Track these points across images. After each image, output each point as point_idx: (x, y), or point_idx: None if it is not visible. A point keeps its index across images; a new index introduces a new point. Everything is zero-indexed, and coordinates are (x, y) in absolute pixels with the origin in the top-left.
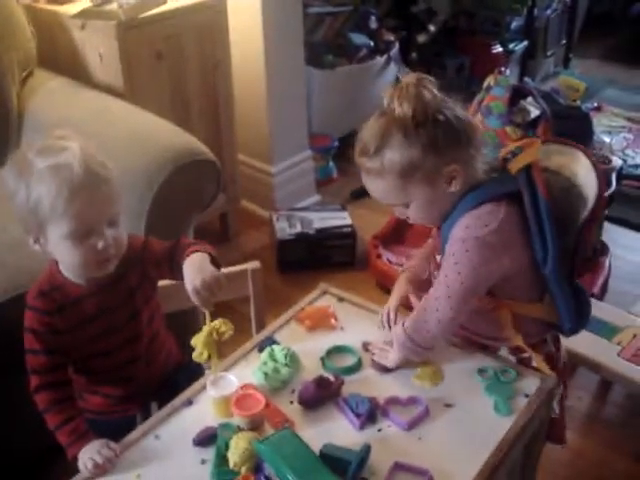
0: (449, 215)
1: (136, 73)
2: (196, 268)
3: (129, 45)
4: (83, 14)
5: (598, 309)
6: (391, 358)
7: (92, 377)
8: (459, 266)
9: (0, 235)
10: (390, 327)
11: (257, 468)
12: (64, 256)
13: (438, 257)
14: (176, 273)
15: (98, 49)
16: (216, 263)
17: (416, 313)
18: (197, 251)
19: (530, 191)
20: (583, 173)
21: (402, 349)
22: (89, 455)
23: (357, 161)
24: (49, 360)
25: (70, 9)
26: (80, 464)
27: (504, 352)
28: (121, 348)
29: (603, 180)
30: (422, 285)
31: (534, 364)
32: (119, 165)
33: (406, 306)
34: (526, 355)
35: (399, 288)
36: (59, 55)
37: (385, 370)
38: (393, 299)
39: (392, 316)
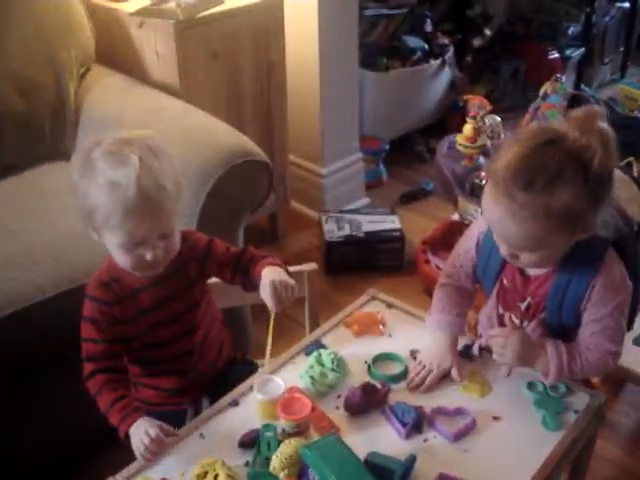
0: (566, 263)
1: (192, 72)
2: (276, 272)
3: (186, 44)
4: (142, 12)
5: None
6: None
7: (146, 368)
8: (623, 311)
9: (54, 230)
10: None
11: (302, 473)
12: (116, 257)
13: (522, 304)
14: (238, 278)
15: (155, 47)
16: (291, 277)
17: (582, 355)
18: (274, 264)
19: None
20: (623, 190)
21: (554, 369)
22: (144, 429)
23: (504, 192)
24: (107, 348)
25: (129, 7)
26: (134, 440)
27: None
28: (177, 340)
29: None
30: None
31: None
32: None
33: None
34: None
35: (441, 353)
36: (116, 52)
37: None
38: (436, 368)
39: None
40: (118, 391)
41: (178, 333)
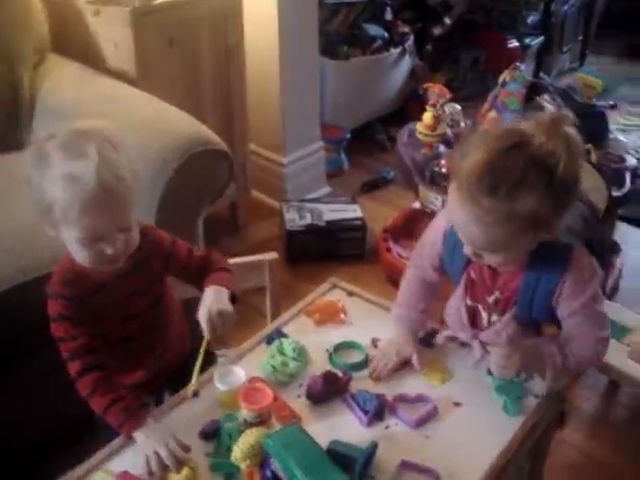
0: (534, 260)
1: (149, 60)
2: (216, 298)
3: (143, 31)
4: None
5: (609, 309)
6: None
7: (110, 365)
8: (597, 299)
9: (8, 221)
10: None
11: (264, 463)
12: (74, 253)
13: (490, 298)
14: (194, 283)
15: (112, 35)
16: (234, 300)
17: (576, 350)
18: (222, 283)
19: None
20: (588, 178)
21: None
22: (155, 446)
23: (469, 196)
24: (88, 342)
25: None
26: (144, 455)
27: None
28: (141, 335)
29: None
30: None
31: None
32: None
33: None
34: None
35: (402, 342)
36: (72, 41)
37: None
38: (396, 356)
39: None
40: (113, 391)
41: (143, 328)
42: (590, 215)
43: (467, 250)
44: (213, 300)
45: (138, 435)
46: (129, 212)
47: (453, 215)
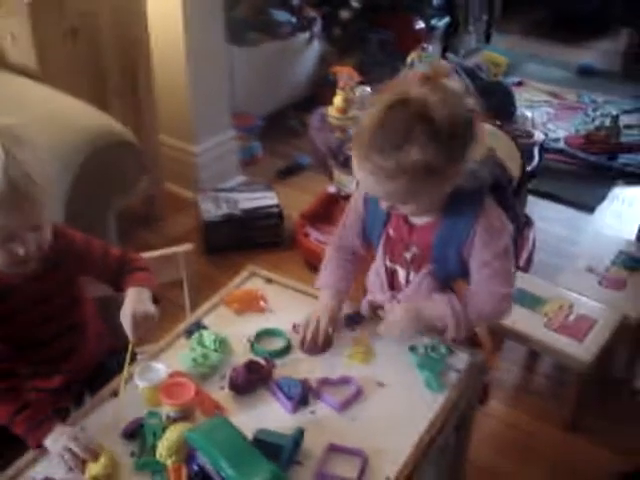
0: (445, 212)
1: (50, 53)
2: (139, 299)
3: (42, 24)
4: None
5: (524, 281)
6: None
7: (25, 370)
8: (508, 254)
9: None
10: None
11: (190, 457)
12: None
13: (407, 254)
14: (111, 284)
15: (9, 28)
16: (155, 300)
17: (475, 304)
18: (143, 284)
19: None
20: (502, 146)
21: (451, 319)
22: (65, 443)
23: (364, 155)
24: None
25: None
26: (56, 455)
27: None
28: (57, 338)
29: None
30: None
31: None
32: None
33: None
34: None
35: (327, 305)
36: None
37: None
38: (324, 317)
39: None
40: (17, 401)
41: (58, 331)
42: (501, 174)
43: (381, 204)
44: (136, 302)
45: (47, 441)
46: (40, 211)
47: (356, 174)
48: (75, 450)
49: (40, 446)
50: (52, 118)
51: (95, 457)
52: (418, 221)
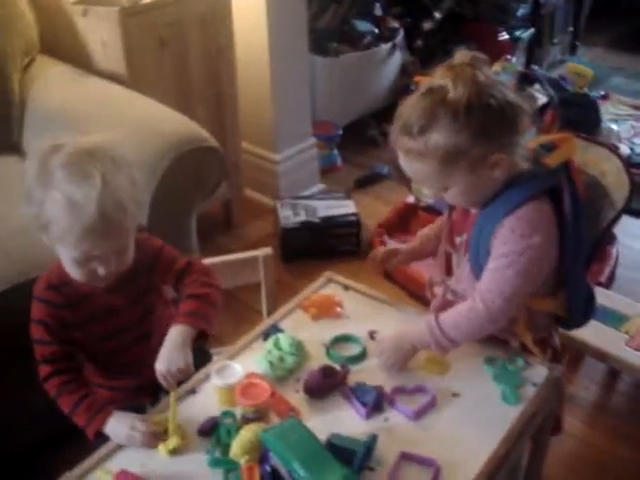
0: (489, 203)
1: (139, 60)
2: (175, 347)
3: (132, 32)
4: (85, 0)
5: (606, 298)
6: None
7: (100, 370)
8: (520, 261)
9: (4, 223)
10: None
11: (263, 458)
12: (66, 267)
13: (458, 239)
14: (174, 289)
15: (100, 36)
16: (204, 336)
17: (455, 308)
18: (189, 322)
19: (569, 189)
20: (613, 172)
21: (430, 339)
22: (129, 426)
23: (395, 139)
24: (60, 349)
25: None
26: (120, 437)
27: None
28: (130, 347)
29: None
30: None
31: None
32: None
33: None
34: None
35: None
36: (61, 42)
37: None
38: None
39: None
40: (79, 391)
41: (131, 340)
42: (589, 185)
43: (429, 192)
44: (170, 351)
45: (107, 427)
46: (126, 236)
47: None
48: (142, 428)
49: (98, 436)
50: (139, 123)
51: (165, 432)
52: (473, 210)
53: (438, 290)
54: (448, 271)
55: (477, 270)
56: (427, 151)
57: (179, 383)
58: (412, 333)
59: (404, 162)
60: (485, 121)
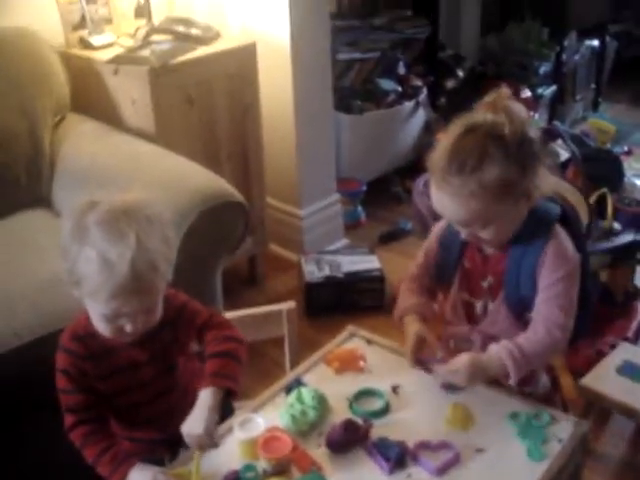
0: (519, 236)
1: (167, 117)
2: (201, 412)
3: (161, 90)
4: (117, 59)
5: (633, 354)
6: (464, 378)
7: (120, 422)
8: (573, 281)
9: (32, 276)
10: (426, 369)
11: None
12: (94, 321)
13: (484, 283)
14: (200, 342)
15: (131, 94)
16: (232, 394)
17: (527, 335)
18: (218, 382)
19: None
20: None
21: (512, 364)
22: (151, 478)
23: (443, 180)
24: (84, 398)
25: (103, 55)
26: None
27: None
28: (152, 401)
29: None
30: (429, 321)
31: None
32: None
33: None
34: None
35: (412, 329)
36: (92, 100)
37: (452, 388)
38: (410, 341)
39: (413, 357)
40: (103, 442)
41: (152, 394)
42: (570, 209)
43: (463, 234)
44: (198, 417)
45: (131, 477)
46: (155, 296)
47: (436, 203)
48: (167, 479)
49: None
50: (167, 178)
51: None
52: (490, 251)
53: (457, 343)
54: (469, 320)
55: (516, 306)
56: (480, 188)
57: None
58: (490, 359)
59: (449, 203)
60: (531, 153)
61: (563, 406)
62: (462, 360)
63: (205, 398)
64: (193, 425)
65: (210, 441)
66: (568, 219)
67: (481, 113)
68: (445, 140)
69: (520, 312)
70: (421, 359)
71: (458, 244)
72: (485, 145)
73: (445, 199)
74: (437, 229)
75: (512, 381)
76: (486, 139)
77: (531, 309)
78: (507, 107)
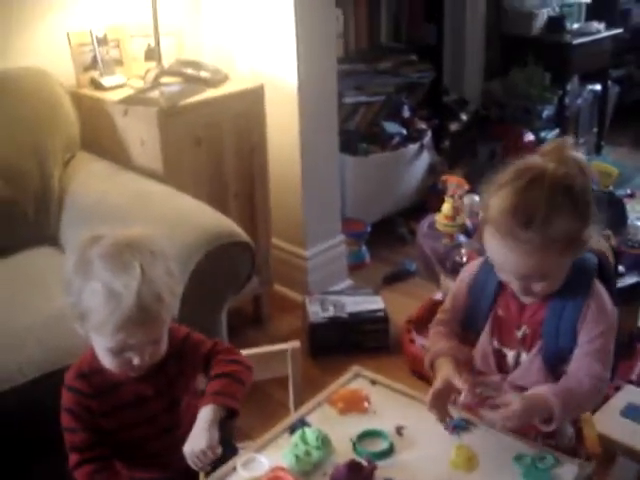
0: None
1: (175, 157)
2: (201, 428)
3: (169, 131)
4: (127, 100)
5: (637, 396)
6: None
7: (125, 461)
8: (612, 335)
9: (38, 313)
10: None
11: None
12: (100, 357)
13: (518, 333)
14: (207, 375)
15: (140, 134)
16: (234, 414)
17: (572, 386)
18: (218, 402)
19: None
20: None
21: (561, 408)
22: None
23: (507, 232)
24: (89, 437)
25: (113, 95)
26: None
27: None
28: (156, 437)
29: None
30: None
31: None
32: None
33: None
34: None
35: (443, 373)
36: (102, 139)
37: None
38: (436, 384)
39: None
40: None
41: (157, 431)
42: (604, 256)
43: (515, 287)
44: (198, 434)
45: None
46: (161, 327)
47: (495, 256)
48: None
49: None
50: (173, 217)
51: None
52: (528, 300)
53: (485, 391)
54: (499, 369)
55: (552, 358)
56: (549, 241)
57: (213, 468)
58: (535, 402)
59: (511, 256)
60: (591, 208)
61: (587, 459)
62: (515, 406)
63: (205, 415)
64: (195, 442)
65: (213, 455)
66: (603, 267)
67: (538, 160)
68: (505, 189)
69: (555, 364)
70: (439, 405)
71: (491, 291)
72: (554, 197)
73: (506, 251)
74: (466, 274)
75: (554, 424)
76: (555, 190)
77: (567, 362)
78: (576, 158)
